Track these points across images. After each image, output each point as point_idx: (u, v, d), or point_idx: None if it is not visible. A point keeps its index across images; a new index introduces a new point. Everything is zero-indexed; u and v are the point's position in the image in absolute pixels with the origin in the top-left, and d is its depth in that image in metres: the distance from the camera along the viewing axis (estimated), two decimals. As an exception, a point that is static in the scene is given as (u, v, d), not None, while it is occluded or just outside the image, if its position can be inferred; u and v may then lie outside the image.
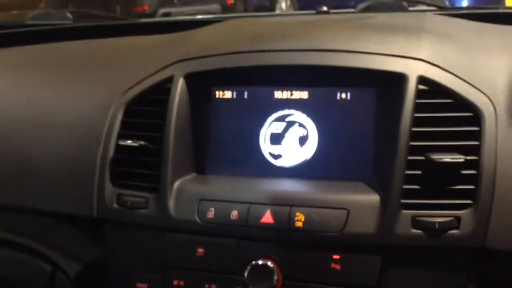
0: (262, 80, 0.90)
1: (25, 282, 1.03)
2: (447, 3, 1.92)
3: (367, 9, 1.24)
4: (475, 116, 0.77)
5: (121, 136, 0.90)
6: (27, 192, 0.96)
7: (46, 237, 1.01)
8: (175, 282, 0.84)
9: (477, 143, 0.76)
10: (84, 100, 0.97)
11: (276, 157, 0.89)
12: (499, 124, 0.77)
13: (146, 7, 5.07)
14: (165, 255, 0.85)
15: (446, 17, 1.03)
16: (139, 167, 0.88)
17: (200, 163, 0.91)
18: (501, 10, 0.99)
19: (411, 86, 0.79)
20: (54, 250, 1.00)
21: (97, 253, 0.94)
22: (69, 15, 1.42)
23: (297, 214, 0.78)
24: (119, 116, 0.91)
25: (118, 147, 0.89)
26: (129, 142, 0.87)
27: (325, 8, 1.22)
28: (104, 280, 0.91)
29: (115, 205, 0.87)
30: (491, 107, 0.78)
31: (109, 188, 0.88)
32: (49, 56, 1.13)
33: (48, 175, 0.94)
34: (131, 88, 0.92)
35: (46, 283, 0.99)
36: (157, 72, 0.92)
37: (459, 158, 0.74)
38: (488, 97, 0.78)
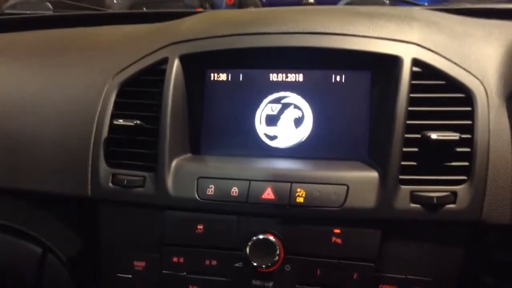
0: (257, 63, 0.91)
1: (15, 265, 0.99)
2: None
3: (349, 4, 1.27)
4: (467, 97, 0.80)
5: (115, 116, 0.89)
6: (21, 174, 0.94)
7: (36, 220, 0.98)
8: (174, 259, 0.83)
9: (470, 122, 0.79)
10: (76, 82, 0.95)
11: (272, 138, 0.90)
12: (490, 105, 0.80)
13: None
14: (164, 232, 0.84)
15: (431, 11, 1.06)
16: (135, 146, 0.87)
17: (196, 144, 0.91)
18: (480, 6, 1.03)
19: (406, 68, 0.81)
20: (44, 232, 0.97)
21: (89, 235, 0.92)
22: (49, 5, 1.40)
23: (298, 190, 0.79)
24: (113, 97, 0.90)
25: (112, 127, 0.88)
26: (124, 121, 0.86)
27: (311, 0, 1.24)
28: (97, 261, 0.89)
29: (110, 185, 0.86)
30: (482, 89, 0.80)
31: (103, 168, 0.87)
32: (38, 42, 1.10)
33: (41, 157, 0.93)
34: (124, 69, 0.92)
35: (36, 265, 0.96)
36: (150, 54, 0.91)
37: (454, 136, 0.77)
38: (478, 79, 0.81)
